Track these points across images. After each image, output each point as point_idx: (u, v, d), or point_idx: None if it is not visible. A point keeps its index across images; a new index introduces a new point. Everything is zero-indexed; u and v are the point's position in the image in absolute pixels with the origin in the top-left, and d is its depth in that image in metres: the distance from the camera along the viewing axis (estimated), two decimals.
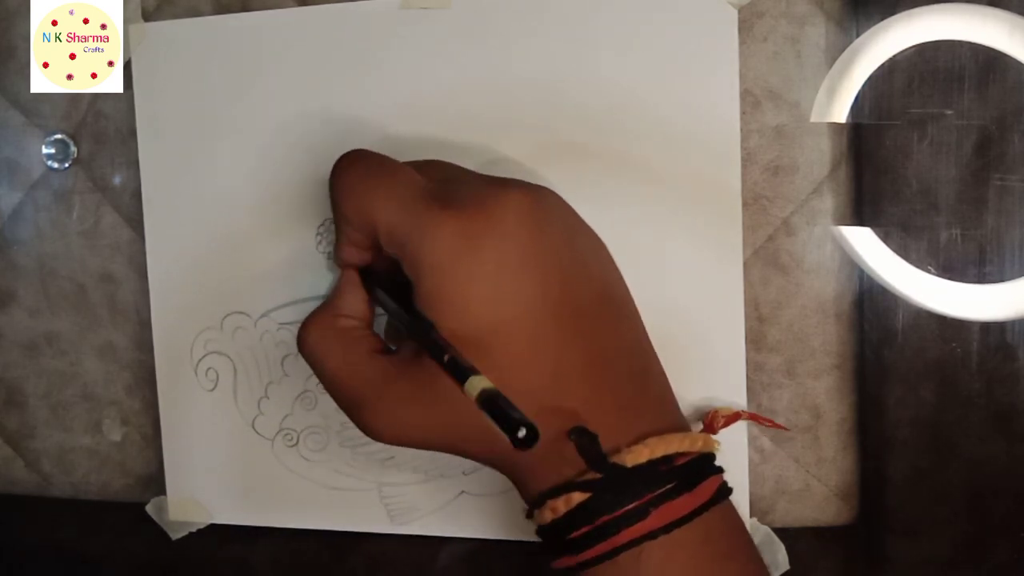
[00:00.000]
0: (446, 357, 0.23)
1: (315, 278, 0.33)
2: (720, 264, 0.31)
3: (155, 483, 0.36)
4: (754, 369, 0.31)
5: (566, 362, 0.25)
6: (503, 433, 0.20)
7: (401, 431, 0.26)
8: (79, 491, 0.38)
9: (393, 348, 0.28)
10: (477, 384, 0.21)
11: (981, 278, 0.29)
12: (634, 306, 0.27)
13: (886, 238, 0.30)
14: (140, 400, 0.37)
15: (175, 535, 0.36)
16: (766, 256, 0.31)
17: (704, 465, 0.26)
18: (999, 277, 0.29)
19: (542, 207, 0.25)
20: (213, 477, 0.35)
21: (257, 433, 0.35)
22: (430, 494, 0.33)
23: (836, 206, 0.31)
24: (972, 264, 0.30)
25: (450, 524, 0.33)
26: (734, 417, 0.30)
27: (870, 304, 0.31)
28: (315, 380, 0.34)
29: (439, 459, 0.33)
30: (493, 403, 0.20)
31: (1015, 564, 0.30)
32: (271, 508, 0.35)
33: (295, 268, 0.34)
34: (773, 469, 0.32)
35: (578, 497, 0.24)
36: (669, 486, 0.24)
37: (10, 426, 0.38)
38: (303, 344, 0.28)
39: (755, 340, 0.31)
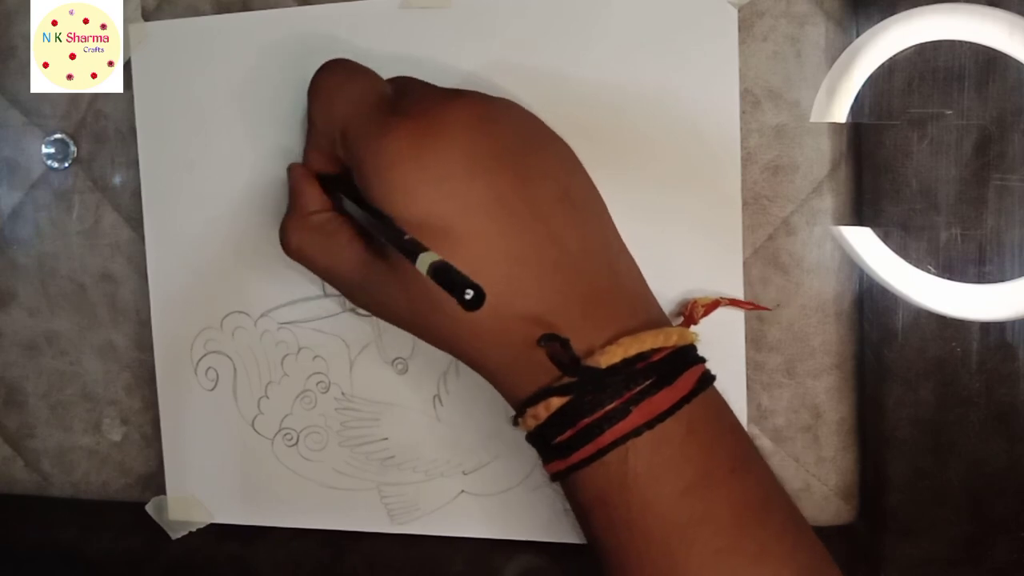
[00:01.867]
0: (405, 237, 0.23)
1: (315, 278, 0.33)
2: (720, 263, 0.31)
3: (155, 482, 0.36)
4: (754, 368, 0.31)
5: (527, 263, 0.25)
6: (453, 297, 0.20)
7: (389, 312, 0.27)
8: (79, 491, 0.38)
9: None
10: (426, 259, 0.21)
11: (981, 278, 0.29)
12: (602, 207, 0.28)
13: (886, 238, 0.30)
14: (140, 400, 0.37)
15: (175, 534, 0.36)
16: (766, 256, 0.31)
17: (683, 357, 0.26)
18: (999, 277, 0.29)
19: (492, 113, 0.26)
20: (213, 476, 0.35)
21: (257, 433, 0.35)
22: (430, 494, 0.33)
23: (836, 206, 0.31)
24: (972, 264, 0.29)
25: (450, 524, 0.33)
26: (713, 305, 0.30)
27: (870, 304, 0.31)
28: (315, 380, 0.34)
29: (439, 459, 0.33)
30: (442, 273, 0.21)
31: (1015, 564, 0.30)
32: (271, 508, 0.35)
33: (295, 268, 0.33)
34: (773, 468, 0.32)
35: (557, 402, 0.25)
36: (648, 382, 0.24)
37: (10, 426, 0.38)
38: (288, 249, 0.29)
39: (755, 340, 0.31)
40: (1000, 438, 0.30)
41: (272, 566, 0.35)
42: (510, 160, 0.25)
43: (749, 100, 0.31)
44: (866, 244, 0.30)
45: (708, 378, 0.26)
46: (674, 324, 0.27)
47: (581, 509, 0.26)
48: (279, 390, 0.34)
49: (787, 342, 0.31)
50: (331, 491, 0.34)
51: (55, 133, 0.36)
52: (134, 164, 0.35)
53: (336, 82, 0.27)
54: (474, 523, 0.33)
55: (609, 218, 0.28)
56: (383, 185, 0.25)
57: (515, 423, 0.27)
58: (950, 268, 0.30)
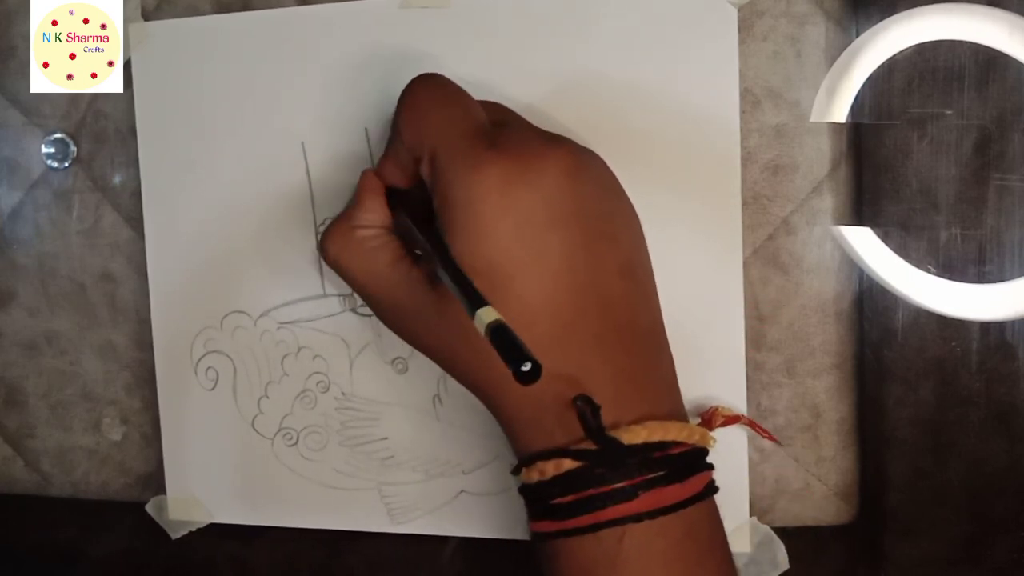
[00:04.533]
0: (467, 281, 0.23)
1: (315, 278, 0.33)
2: (720, 263, 0.31)
3: (155, 482, 0.36)
4: (754, 368, 0.31)
5: (576, 326, 0.25)
6: (507, 365, 0.20)
7: (417, 339, 0.27)
8: (79, 491, 0.38)
9: (419, 253, 0.28)
10: (485, 316, 0.21)
11: (981, 278, 0.29)
12: (655, 289, 0.27)
13: (886, 238, 0.30)
14: (140, 400, 0.37)
15: (175, 534, 0.36)
16: (766, 255, 0.31)
17: (697, 459, 0.26)
18: (999, 277, 0.29)
19: (583, 168, 0.25)
20: (213, 476, 0.35)
21: (257, 432, 0.35)
22: (430, 493, 0.33)
23: (836, 206, 0.31)
24: (972, 264, 0.29)
25: (450, 523, 0.33)
26: (733, 419, 0.30)
27: (870, 304, 0.31)
28: (315, 379, 0.34)
29: (439, 459, 0.33)
30: (501, 333, 0.20)
31: (1015, 564, 0.30)
32: (271, 507, 0.35)
33: (295, 268, 0.34)
34: (773, 468, 0.32)
35: (568, 464, 0.24)
36: (660, 473, 0.24)
37: (10, 426, 0.38)
38: (326, 255, 0.28)
39: (755, 339, 0.31)
40: (1000, 438, 0.30)
41: (271, 566, 0.35)
42: (588, 220, 0.25)
43: (749, 100, 0.31)
44: (866, 244, 0.30)
45: (713, 488, 0.26)
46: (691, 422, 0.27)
47: (560, 574, 0.26)
48: (279, 390, 0.34)
49: (787, 342, 0.31)
50: (331, 491, 0.34)
51: (55, 133, 0.36)
52: (134, 164, 0.35)
53: (434, 100, 0.27)
54: (474, 523, 0.33)
55: (657, 300, 0.28)
56: (464, 217, 0.24)
57: (515, 471, 0.27)
58: (950, 268, 0.30)
